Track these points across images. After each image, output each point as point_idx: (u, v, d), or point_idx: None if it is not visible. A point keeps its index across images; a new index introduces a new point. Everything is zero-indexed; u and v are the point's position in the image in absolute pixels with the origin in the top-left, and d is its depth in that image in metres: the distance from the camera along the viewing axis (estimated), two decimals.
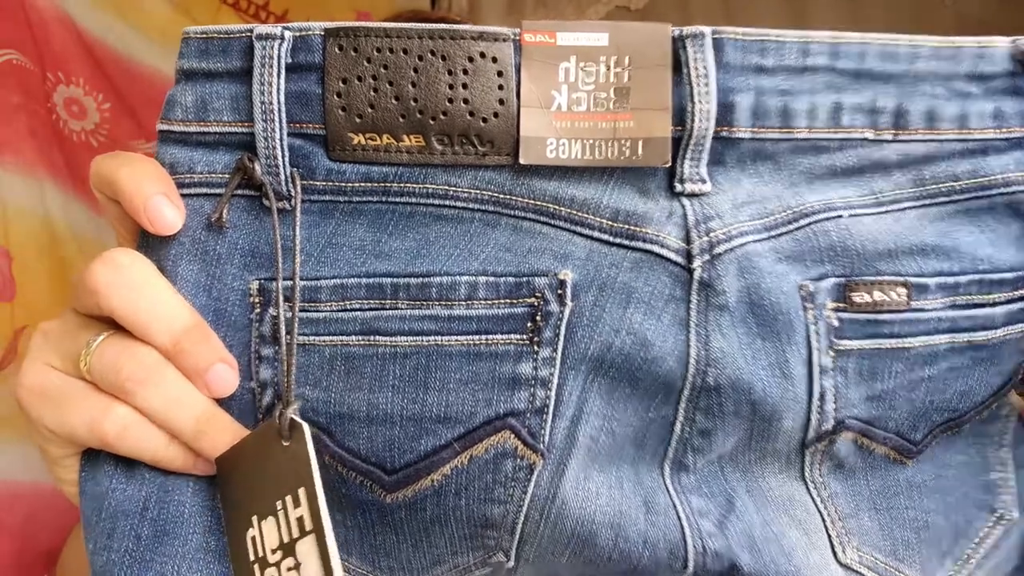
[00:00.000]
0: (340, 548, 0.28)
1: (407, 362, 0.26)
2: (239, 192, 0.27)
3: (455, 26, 0.28)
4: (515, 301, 0.26)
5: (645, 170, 0.27)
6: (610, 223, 0.27)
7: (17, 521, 1.24)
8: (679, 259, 0.27)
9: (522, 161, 0.26)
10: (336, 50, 0.25)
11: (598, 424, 0.27)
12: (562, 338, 0.26)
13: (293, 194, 0.26)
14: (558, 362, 0.26)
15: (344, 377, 0.27)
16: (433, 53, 0.26)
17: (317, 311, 0.27)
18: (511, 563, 0.28)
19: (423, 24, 0.27)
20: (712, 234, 0.27)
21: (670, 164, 0.27)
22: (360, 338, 0.27)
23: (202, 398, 0.27)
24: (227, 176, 0.26)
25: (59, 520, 1.33)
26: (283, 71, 0.25)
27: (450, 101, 0.26)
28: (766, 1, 1.77)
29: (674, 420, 0.28)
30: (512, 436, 0.27)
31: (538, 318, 0.26)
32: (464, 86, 0.27)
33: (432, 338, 0.26)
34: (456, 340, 0.26)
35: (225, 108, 0.28)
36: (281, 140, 0.26)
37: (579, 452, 0.26)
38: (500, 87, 0.27)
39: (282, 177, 0.26)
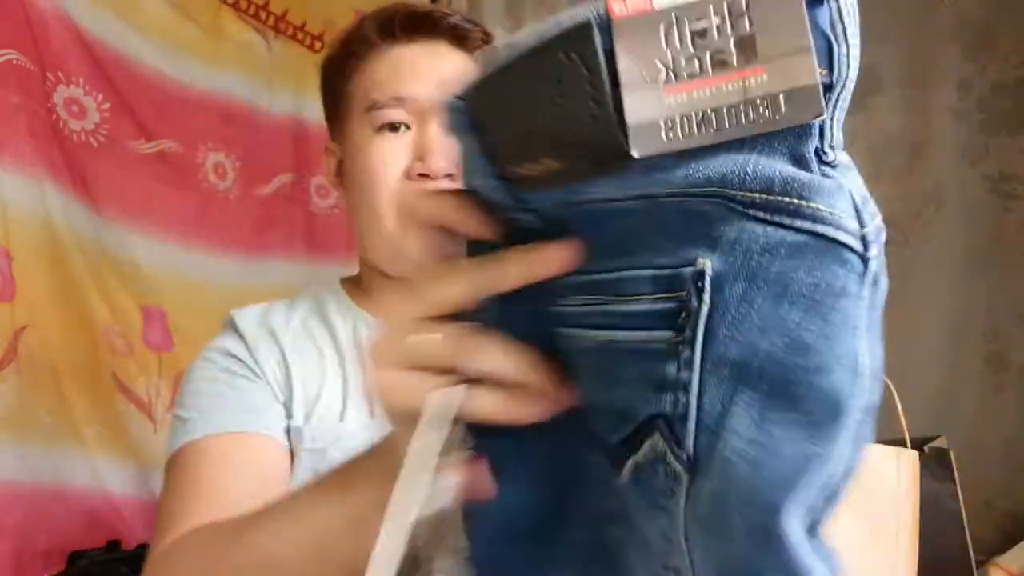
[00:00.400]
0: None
1: (601, 354, 0.26)
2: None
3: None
4: (669, 295, 0.24)
5: (792, 131, 0.22)
6: (764, 196, 0.22)
7: (17, 521, 1.24)
8: (856, 245, 0.21)
9: (636, 154, 0.21)
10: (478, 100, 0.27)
11: (741, 447, 0.22)
12: (700, 337, 0.23)
13: (522, 215, 0.28)
14: (697, 365, 0.23)
15: (576, 363, 0.28)
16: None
17: (561, 302, 0.28)
18: None
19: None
20: (876, 219, 0.22)
21: (823, 117, 0.22)
22: (576, 330, 0.27)
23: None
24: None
25: (59, 520, 1.33)
26: (469, 132, 0.27)
27: (554, 117, 0.24)
28: None
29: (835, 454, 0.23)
30: (661, 439, 0.25)
31: (683, 314, 0.23)
32: (560, 96, 0.23)
33: (611, 332, 0.26)
34: (627, 335, 0.25)
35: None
36: (481, 187, 0.28)
37: (718, 459, 0.23)
38: (591, 83, 0.22)
39: (507, 205, 0.28)
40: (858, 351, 0.22)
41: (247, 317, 0.74)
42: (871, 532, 1.21)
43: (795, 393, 0.22)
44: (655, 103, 0.22)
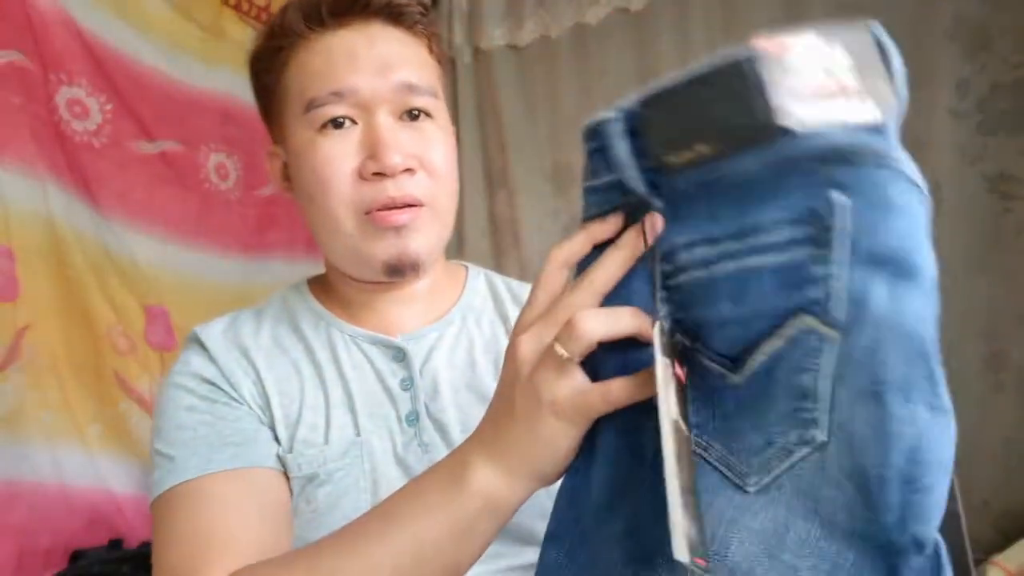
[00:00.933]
0: (703, 432, 0.40)
1: (734, 280, 0.38)
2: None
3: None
4: (808, 225, 0.36)
5: (882, 123, 0.36)
6: (870, 155, 0.35)
7: (19, 520, 1.24)
8: (921, 183, 0.36)
9: (788, 126, 0.34)
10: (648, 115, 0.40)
11: (883, 306, 0.35)
12: (845, 245, 0.35)
13: (655, 199, 0.40)
14: (845, 262, 0.35)
15: (698, 298, 0.40)
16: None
17: (677, 261, 0.40)
18: (823, 436, 0.37)
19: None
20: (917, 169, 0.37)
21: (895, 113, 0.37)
22: (703, 271, 0.39)
23: None
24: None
25: (61, 519, 1.33)
26: (624, 137, 0.40)
27: (715, 114, 0.37)
28: (764, 3, 1.79)
29: None
30: (810, 318, 0.36)
31: (822, 231, 0.35)
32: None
33: (750, 259, 0.37)
34: (767, 259, 0.37)
35: (602, 168, 0.42)
36: (636, 178, 0.40)
37: (867, 327, 0.35)
38: (750, 88, 0.35)
39: (644, 192, 0.41)
40: (927, 243, 0.35)
41: (214, 334, 0.69)
42: None
43: (913, 271, 0.35)
44: (792, 101, 0.34)
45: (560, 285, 0.45)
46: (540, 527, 0.45)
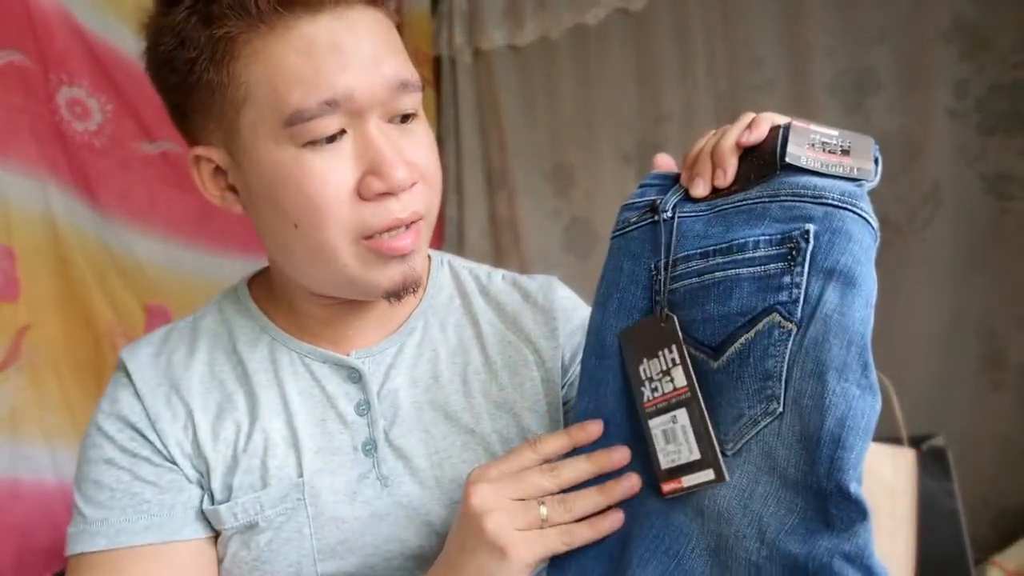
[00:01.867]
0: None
1: (721, 285, 0.50)
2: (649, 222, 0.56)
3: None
4: (782, 245, 0.48)
5: (857, 180, 0.49)
6: (839, 199, 0.48)
7: (19, 520, 1.24)
8: (875, 225, 0.48)
9: (787, 159, 0.50)
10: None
11: (832, 307, 0.45)
12: (808, 260, 0.47)
13: (665, 217, 0.54)
14: (806, 273, 0.46)
15: (691, 300, 0.51)
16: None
17: (676, 271, 0.52)
18: (780, 408, 0.46)
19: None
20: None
21: (872, 181, 0.50)
22: (696, 279, 0.51)
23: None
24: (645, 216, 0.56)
25: (61, 519, 1.33)
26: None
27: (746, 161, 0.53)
28: (763, 4, 1.79)
29: None
30: (777, 315, 0.47)
31: (795, 252, 0.47)
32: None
33: (734, 270, 0.49)
34: (748, 270, 0.49)
35: (650, 191, 0.57)
36: (671, 201, 0.55)
37: (817, 323, 0.45)
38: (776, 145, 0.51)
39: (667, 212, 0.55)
40: (870, 267, 0.46)
41: (142, 362, 0.62)
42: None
43: (859, 285, 0.45)
44: (800, 152, 0.50)
45: (529, 464, 0.53)
46: None
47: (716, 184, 0.52)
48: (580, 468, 0.53)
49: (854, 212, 0.47)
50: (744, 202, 0.51)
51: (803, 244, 0.47)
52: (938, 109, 1.56)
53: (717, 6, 1.80)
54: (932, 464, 1.24)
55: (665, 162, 0.57)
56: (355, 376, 0.61)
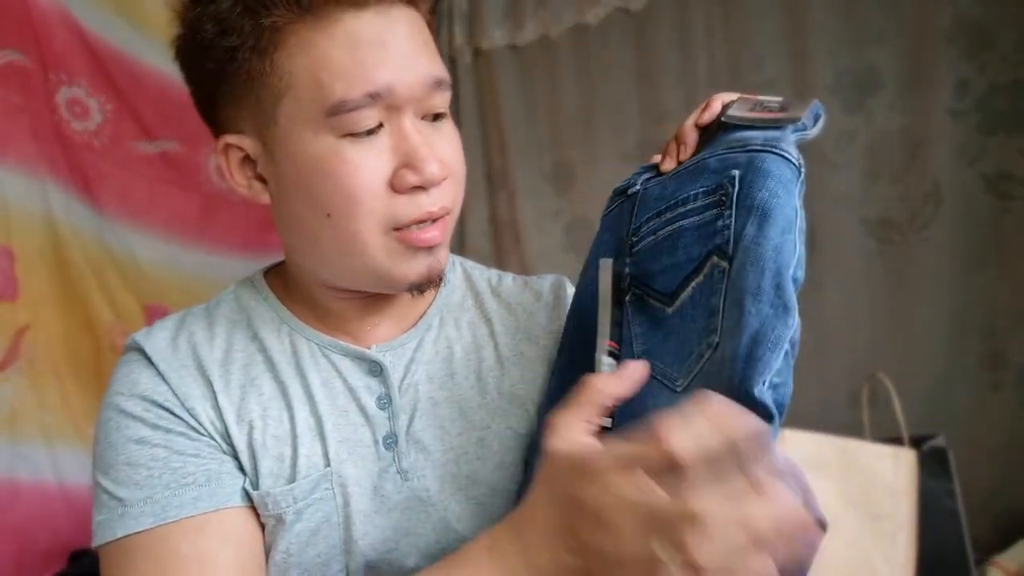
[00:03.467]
0: (649, 356, 0.53)
1: (671, 238, 0.54)
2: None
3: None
4: (715, 193, 0.52)
5: (780, 124, 0.53)
6: (762, 144, 0.52)
7: (19, 520, 1.24)
8: (797, 164, 0.51)
9: (723, 119, 0.56)
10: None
11: (749, 239, 0.48)
12: (735, 201, 0.50)
13: (634, 190, 0.60)
14: (734, 214, 0.50)
15: (648, 256, 0.56)
16: None
17: (640, 234, 0.57)
18: (717, 338, 0.49)
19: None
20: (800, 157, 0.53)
21: (799, 120, 0.53)
22: (652, 237, 0.56)
23: None
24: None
25: (61, 519, 1.33)
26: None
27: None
28: (764, 3, 1.79)
29: None
30: (715, 256, 0.50)
31: (724, 197, 0.51)
32: None
33: (679, 222, 0.54)
34: (691, 219, 0.53)
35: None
36: (645, 179, 0.61)
37: (739, 255, 0.49)
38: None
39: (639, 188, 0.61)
40: (788, 198, 0.49)
41: (161, 344, 0.61)
42: (870, 530, 1.21)
43: (773, 215, 0.48)
44: (738, 113, 0.55)
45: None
46: None
47: (680, 158, 0.59)
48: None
49: (774, 152, 0.51)
50: (692, 163, 0.56)
51: (730, 188, 0.51)
52: (939, 109, 1.56)
53: (717, 6, 1.80)
54: (933, 464, 1.24)
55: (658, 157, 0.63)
56: (376, 370, 0.61)
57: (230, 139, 0.58)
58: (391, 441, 0.60)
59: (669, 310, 0.53)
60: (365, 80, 0.52)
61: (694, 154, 0.57)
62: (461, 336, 0.65)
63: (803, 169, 0.51)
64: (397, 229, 0.55)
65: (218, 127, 0.60)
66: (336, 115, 0.52)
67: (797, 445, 1.16)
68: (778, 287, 0.47)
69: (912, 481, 1.21)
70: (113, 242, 1.42)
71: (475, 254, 2.06)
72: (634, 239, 0.57)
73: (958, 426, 1.48)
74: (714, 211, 0.51)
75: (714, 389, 0.45)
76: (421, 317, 0.65)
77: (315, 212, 0.55)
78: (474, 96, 2.10)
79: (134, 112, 1.46)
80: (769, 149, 0.51)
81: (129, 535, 0.54)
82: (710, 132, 0.57)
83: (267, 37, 0.53)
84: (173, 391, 0.58)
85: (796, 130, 0.52)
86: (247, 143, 0.58)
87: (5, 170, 1.24)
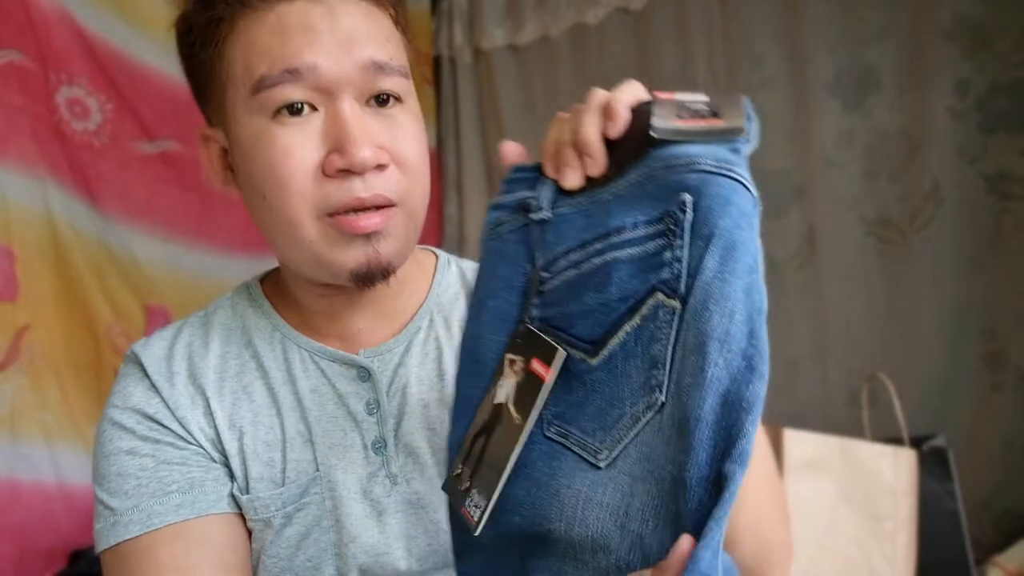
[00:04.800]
0: (563, 420, 0.45)
1: (599, 272, 0.45)
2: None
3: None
4: (661, 223, 0.43)
5: (724, 138, 0.44)
6: (715, 165, 0.43)
7: (19, 520, 1.24)
8: (753, 190, 0.43)
9: (654, 134, 0.44)
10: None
11: (712, 272, 0.40)
12: (688, 233, 0.42)
13: (543, 216, 0.49)
14: (687, 244, 0.42)
15: (566, 295, 0.46)
16: None
17: (555, 269, 0.47)
18: (663, 397, 0.41)
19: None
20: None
21: (744, 134, 0.44)
22: (574, 270, 0.46)
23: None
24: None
25: (61, 519, 1.33)
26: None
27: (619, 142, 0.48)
28: (763, 3, 1.79)
29: None
30: (660, 294, 0.42)
31: (673, 225, 0.43)
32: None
33: (611, 253, 0.45)
34: (626, 252, 0.44)
35: (521, 188, 0.51)
36: (548, 198, 0.49)
37: (697, 292, 0.41)
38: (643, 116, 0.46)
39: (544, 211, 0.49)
40: (752, 232, 0.41)
41: (156, 355, 0.62)
42: (870, 530, 1.21)
43: (736, 247, 0.41)
44: (667, 124, 0.45)
45: None
46: None
47: (589, 174, 0.47)
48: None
49: (731, 177, 0.42)
50: (621, 186, 0.46)
51: (680, 215, 0.42)
52: (939, 108, 1.56)
53: (717, 5, 1.80)
54: (933, 464, 1.24)
55: (513, 151, 0.51)
56: (364, 375, 0.61)
57: (207, 131, 0.61)
58: (380, 445, 0.60)
59: (593, 361, 0.44)
60: (285, 58, 0.53)
61: (612, 168, 0.47)
62: (451, 336, 0.65)
63: (758, 202, 0.43)
64: (333, 215, 0.55)
65: (207, 122, 0.62)
66: (259, 92, 0.54)
67: (797, 445, 1.17)
68: (751, 334, 0.39)
69: (912, 481, 1.21)
70: (113, 242, 1.42)
71: (475, 254, 2.05)
72: (545, 275, 0.47)
73: (958, 426, 1.48)
74: (659, 241, 0.43)
75: (654, 463, 0.40)
76: (411, 320, 0.65)
77: (255, 195, 0.57)
78: (474, 96, 2.10)
79: (134, 112, 1.46)
80: (724, 173, 0.42)
81: (120, 543, 0.56)
82: (625, 145, 0.46)
83: (215, 29, 0.56)
84: (164, 401, 0.59)
85: (742, 142, 0.44)
86: (219, 135, 0.60)
87: (5, 170, 1.24)
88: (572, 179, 0.47)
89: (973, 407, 1.55)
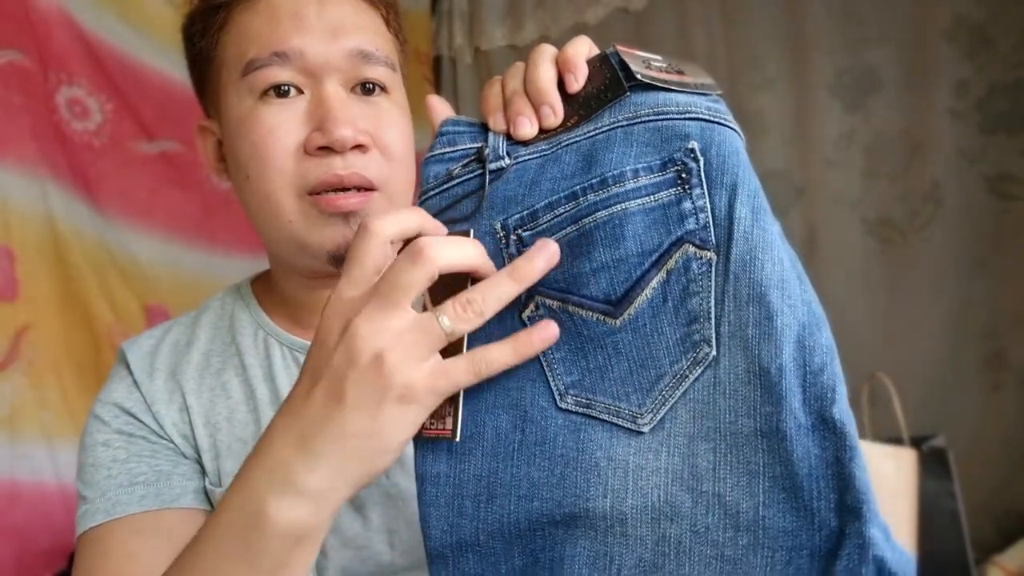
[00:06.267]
0: (582, 389, 0.41)
1: (607, 225, 0.41)
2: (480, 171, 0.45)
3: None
4: (666, 171, 0.42)
5: (705, 92, 0.44)
6: (710, 114, 0.43)
7: (19, 520, 1.24)
8: (740, 133, 0.43)
9: (639, 77, 0.43)
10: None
11: (748, 222, 0.40)
12: (704, 178, 0.41)
13: (504, 164, 0.45)
14: (707, 193, 0.41)
15: (569, 255, 0.42)
16: None
17: (539, 225, 0.43)
18: (714, 351, 0.39)
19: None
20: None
21: (718, 90, 0.44)
22: (573, 226, 0.42)
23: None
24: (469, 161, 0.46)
25: (61, 519, 1.33)
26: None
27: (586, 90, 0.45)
28: (764, 3, 1.79)
29: None
30: (690, 246, 0.40)
31: (684, 173, 0.41)
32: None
33: (619, 205, 0.42)
34: (636, 203, 0.41)
35: (465, 139, 0.47)
36: (500, 145, 0.45)
37: (739, 243, 0.40)
38: (612, 67, 0.45)
39: (498, 153, 0.45)
40: (754, 176, 0.42)
41: (141, 353, 0.63)
42: None
43: (759, 196, 0.41)
44: (643, 71, 0.44)
45: (384, 261, 0.40)
46: None
47: (546, 124, 0.45)
48: (459, 249, 0.41)
49: (727, 126, 0.42)
50: (598, 130, 0.43)
51: (691, 164, 0.41)
52: (939, 109, 1.56)
53: (717, 5, 1.80)
54: (933, 464, 1.24)
55: (441, 104, 0.48)
56: None
57: (204, 123, 0.63)
58: None
59: (615, 322, 0.41)
60: (274, 42, 0.56)
61: (570, 117, 0.44)
62: None
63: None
64: (313, 194, 0.55)
65: (204, 113, 0.64)
66: (248, 74, 0.56)
67: None
68: (800, 278, 0.39)
69: (912, 481, 1.21)
70: (113, 242, 1.41)
71: None
72: (525, 233, 0.43)
73: (958, 426, 1.48)
74: (672, 191, 0.41)
75: (716, 419, 0.38)
76: None
77: (240, 175, 0.58)
78: (474, 96, 2.10)
79: (134, 112, 1.46)
80: (722, 122, 0.42)
81: (87, 530, 0.58)
82: (591, 90, 0.44)
83: (213, 18, 0.59)
84: (143, 396, 0.61)
85: (715, 98, 0.44)
86: (215, 126, 0.62)
87: (5, 170, 1.24)
88: (527, 127, 0.44)
89: (973, 407, 1.55)
